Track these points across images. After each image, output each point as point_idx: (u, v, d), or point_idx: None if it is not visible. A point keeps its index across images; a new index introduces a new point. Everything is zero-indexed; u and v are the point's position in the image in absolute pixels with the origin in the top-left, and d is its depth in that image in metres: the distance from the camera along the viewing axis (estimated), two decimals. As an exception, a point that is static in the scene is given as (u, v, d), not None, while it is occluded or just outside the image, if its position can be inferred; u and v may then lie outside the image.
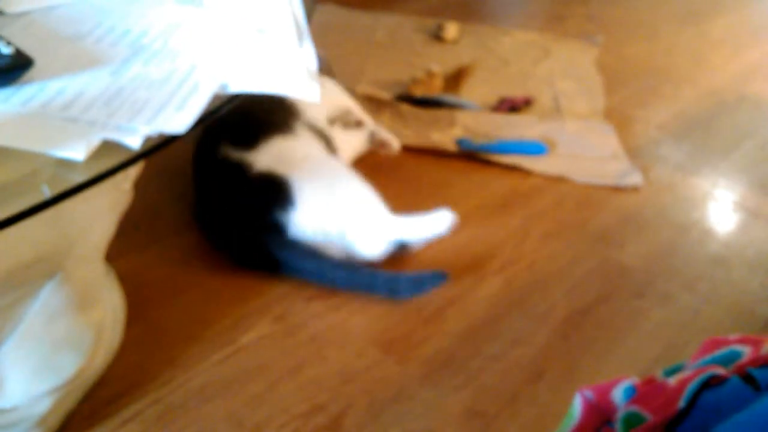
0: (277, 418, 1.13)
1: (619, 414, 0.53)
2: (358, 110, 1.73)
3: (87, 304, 1.06)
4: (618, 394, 0.55)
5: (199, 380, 1.19)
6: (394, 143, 1.73)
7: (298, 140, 1.46)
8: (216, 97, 0.69)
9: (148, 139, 0.63)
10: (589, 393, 0.57)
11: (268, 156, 1.39)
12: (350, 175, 1.42)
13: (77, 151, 0.59)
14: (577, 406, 0.57)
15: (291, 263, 1.36)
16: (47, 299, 0.96)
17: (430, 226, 1.39)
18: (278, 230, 1.34)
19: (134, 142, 0.61)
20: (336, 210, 1.36)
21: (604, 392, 0.56)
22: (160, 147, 0.63)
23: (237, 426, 1.12)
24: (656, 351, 1.30)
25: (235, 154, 1.39)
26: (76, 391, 1.11)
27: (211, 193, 1.43)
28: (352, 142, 1.69)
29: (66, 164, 0.60)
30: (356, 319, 1.33)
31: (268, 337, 1.28)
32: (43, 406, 1.03)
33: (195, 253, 1.44)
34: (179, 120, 0.64)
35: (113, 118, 0.64)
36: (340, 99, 1.72)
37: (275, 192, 1.35)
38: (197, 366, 1.21)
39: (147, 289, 1.33)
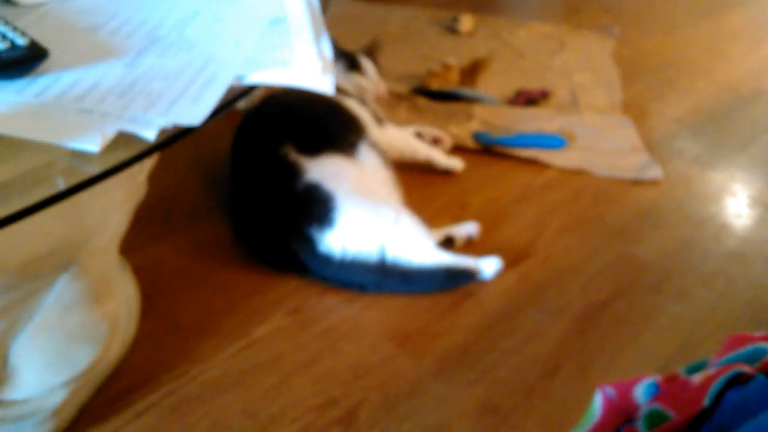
0: (290, 411, 1.13)
1: (642, 412, 0.52)
2: (423, 149, 1.72)
3: (102, 296, 1.06)
4: (640, 392, 0.54)
5: (214, 373, 1.18)
6: (456, 165, 1.73)
7: (358, 163, 1.44)
8: (231, 89, 0.69)
9: (163, 131, 0.62)
10: (610, 390, 0.56)
11: (324, 170, 1.37)
12: (398, 210, 1.38)
13: (92, 143, 0.59)
14: (597, 404, 0.56)
15: (317, 270, 1.36)
16: (62, 291, 0.96)
17: (477, 266, 1.38)
18: (309, 243, 1.33)
19: (149, 134, 0.61)
20: (376, 240, 1.33)
21: (626, 389, 0.55)
22: (175, 139, 0.62)
23: (251, 418, 1.12)
24: (673, 347, 1.29)
25: (294, 156, 1.38)
26: (91, 383, 1.11)
27: (254, 185, 1.43)
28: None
29: (81, 156, 0.59)
30: (370, 313, 1.32)
31: (282, 330, 1.27)
32: (58, 397, 1.03)
33: (209, 245, 1.44)
34: (195, 112, 0.64)
35: (128, 109, 0.63)
36: (406, 144, 1.70)
37: (318, 207, 1.33)
38: (212, 358, 1.21)
39: (161, 282, 1.33)
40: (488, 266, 1.38)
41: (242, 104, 1.68)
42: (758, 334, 0.55)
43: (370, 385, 1.18)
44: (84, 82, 0.67)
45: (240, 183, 1.47)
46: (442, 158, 1.71)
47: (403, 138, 1.69)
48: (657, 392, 0.52)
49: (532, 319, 1.33)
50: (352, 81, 1.72)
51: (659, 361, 1.26)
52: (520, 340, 1.28)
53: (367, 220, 1.33)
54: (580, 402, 0.61)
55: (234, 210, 1.52)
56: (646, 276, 1.45)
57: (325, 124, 1.48)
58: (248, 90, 0.71)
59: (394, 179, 1.49)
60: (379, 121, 1.62)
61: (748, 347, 0.54)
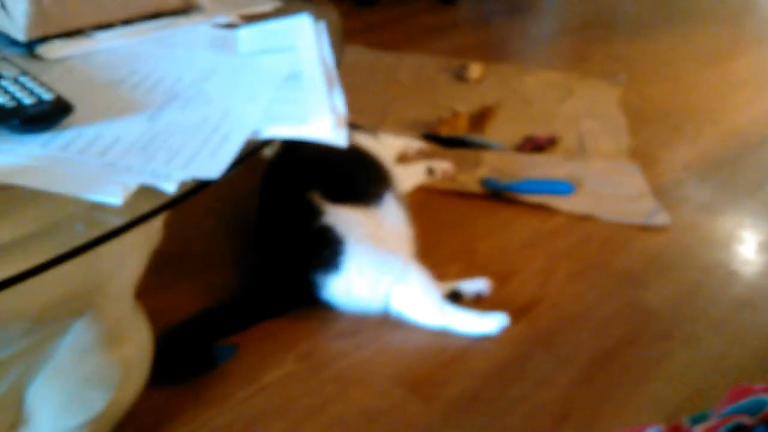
0: (301, 457, 1.14)
1: (646, 461, 0.53)
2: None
3: (116, 340, 1.07)
4: (644, 441, 0.55)
5: (224, 418, 1.19)
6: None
7: (378, 215, 1.48)
8: (248, 143, 0.71)
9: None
10: (615, 439, 0.57)
11: (341, 216, 1.40)
12: (407, 264, 1.40)
13: (115, 196, 0.61)
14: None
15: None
16: (78, 336, 0.97)
17: (481, 324, 1.39)
18: (312, 288, 1.35)
19: (170, 187, 0.63)
20: (380, 290, 1.35)
21: (631, 439, 0.56)
22: (194, 192, 0.65)
23: (261, 465, 1.12)
24: (682, 395, 1.29)
25: (318, 201, 1.42)
26: (104, 427, 1.11)
27: (276, 222, 1.46)
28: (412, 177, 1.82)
29: (102, 207, 0.62)
30: (381, 358, 1.33)
31: (292, 376, 1.28)
32: (71, 442, 1.04)
33: (221, 290, 1.46)
34: (213, 166, 0.66)
35: (150, 163, 0.66)
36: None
37: (327, 249, 1.35)
38: (222, 404, 1.22)
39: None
40: (493, 323, 1.38)
41: (267, 151, 1.71)
42: (759, 385, 0.56)
43: (380, 431, 1.19)
44: (107, 137, 0.70)
45: (263, 220, 1.50)
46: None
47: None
48: (661, 443, 0.53)
49: (540, 366, 1.33)
50: None
51: (669, 409, 1.26)
52: (529, 387, 1.28)
53: (374, 268, 1.35)
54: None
55: (252, 247, 1.53)
56: (655, 322, 1.45)
57: (353, 176, 1.53)
58: (264, 143, 0.74)
59: (412, 236, 1.51)
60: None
61: (750, 398, 0.55)
